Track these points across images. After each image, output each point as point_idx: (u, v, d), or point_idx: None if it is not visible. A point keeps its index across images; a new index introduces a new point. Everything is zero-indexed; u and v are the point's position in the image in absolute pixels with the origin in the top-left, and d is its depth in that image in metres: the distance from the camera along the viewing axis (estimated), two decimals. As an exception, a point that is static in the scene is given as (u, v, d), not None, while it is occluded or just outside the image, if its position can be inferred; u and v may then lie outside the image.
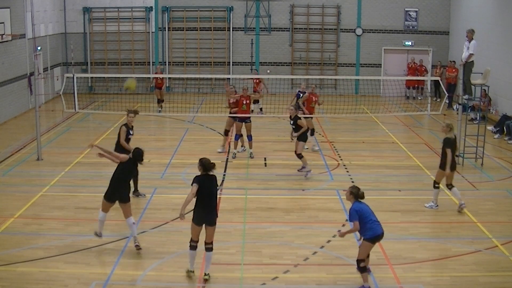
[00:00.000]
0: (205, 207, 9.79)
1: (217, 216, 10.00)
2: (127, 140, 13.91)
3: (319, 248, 11.36)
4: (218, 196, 9.88)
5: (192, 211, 9.95)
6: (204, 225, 9.94)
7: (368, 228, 9.54)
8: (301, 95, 20.28)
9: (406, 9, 29.22)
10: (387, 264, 10.66)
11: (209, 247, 9.97)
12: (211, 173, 9.93)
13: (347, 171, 16.43)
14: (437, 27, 29.23)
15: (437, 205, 13.62)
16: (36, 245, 11.30)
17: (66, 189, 14.76)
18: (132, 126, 14.18)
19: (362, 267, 9.67)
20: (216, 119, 22.18)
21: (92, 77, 29.13)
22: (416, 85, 28.54)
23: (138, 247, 11.03)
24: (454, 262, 10.84)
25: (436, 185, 13.58)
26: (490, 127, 20.80)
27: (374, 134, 21.39)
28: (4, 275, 10.11)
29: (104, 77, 28.89)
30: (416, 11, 29.21)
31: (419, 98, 28.28)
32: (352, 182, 15.35)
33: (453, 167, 13.30)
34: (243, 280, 10.09)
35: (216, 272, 10.31)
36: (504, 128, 20.48)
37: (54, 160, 17.29)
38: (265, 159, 17.54)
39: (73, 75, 18.16)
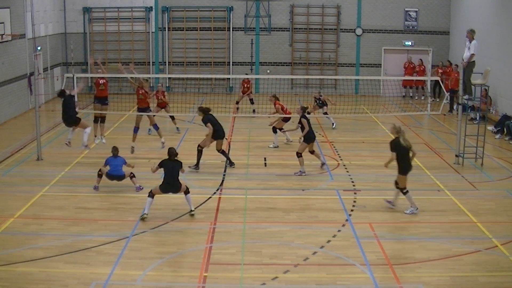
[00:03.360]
0: (168, 181, 12.79)
1: (180, 186, 12.85)
2: None
3: (319, 248, 11.36)
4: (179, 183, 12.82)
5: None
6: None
7: None
8: (318, 101, 21.08)
9: (406, 9, 29.23)
10: (387, 264, 10.66)
11: (186, 192, 12.87)
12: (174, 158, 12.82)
13: (347, 171, 16.43)
14: (437, 27, 29.23)
15: (417, 208, 13.22)
16: (36, 245, 11.31)
17: (66, 189, 14.76)
18: None
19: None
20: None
21: (92, 77, 29.06)
22: (414, 85, 28.53)
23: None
24: (454, 262, 10.84)
25: (404, 190, 13.24)
26: (490, 127, 20.81)
27: (374, 134, 21.39)
28: (4, 275, 10.12)
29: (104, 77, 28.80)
30: (416, 11, 29.21)
31: (422, 98, 28.21)
32: (352, 182, 15.37)
33: (402, 171, 13.23)
34: (243, 280, 10.09)
35: (216, 272, 10.32)
36: (504, 128, 20.46)
37: (54, 160, 17.29)
38: (265, 159, 17.54)
39: (73, 75, 18.14)
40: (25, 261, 10.61)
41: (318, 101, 21.28)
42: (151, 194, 12.82)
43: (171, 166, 12.76)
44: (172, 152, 12.87)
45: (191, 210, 12.90)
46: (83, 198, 14.11)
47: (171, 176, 12.75)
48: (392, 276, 10.25)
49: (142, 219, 12.59)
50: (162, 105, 20.75)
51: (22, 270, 10.33)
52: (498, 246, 11.49)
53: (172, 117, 21.11)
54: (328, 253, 11.18)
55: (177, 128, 21.17)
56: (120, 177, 14.69)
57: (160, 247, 11.38)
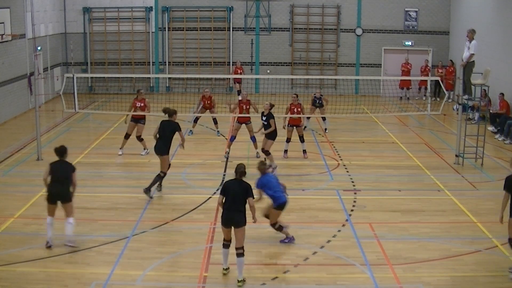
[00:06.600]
0: (229, 209, 10.00)
1: (244, 218, 10.00)
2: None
3: (319, 248, 11.36)
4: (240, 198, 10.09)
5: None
6: (232, 228, 10.06)
7: (276, 198, 11.28)
8: (318, 101, 20.46)
9: (406, 9, 29.21)
10: (387, 264, 10.66)
11: (239, 253, 9.94)
12: (239, 178, 10.13)
13: (347, 171, 16.42)
14: (437, 27, 29.22)
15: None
16: (36, 245, 11.30)
17: (66, 189, 14.73)
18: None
19: (278, 227, 11.49)
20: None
21: (92, 77, 29.13)
22: (410, 86, 28.49)
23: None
24: (454, 262, 10.84)
25: None
26: (491, 128, 20.81)
27: (374, 134, 21.39)
28: (4, 275, 10.11)
29: (104, 77, 28.88)
30: (416, 11, 29.20)
31: (424, 98, 28.14)
32: (352, 182, 15.37)
33: None
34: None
35: (216, 272, 10.32)
36: (504, 128, 20.45)
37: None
38: (265, 159, 17.50)
39: (73, 75, 18.12)
40: (25, 261, 10.60)
41: (318, 101, 20.79)
42: (224, 242, 10.22)
43: (233, 187, 10.04)
44: (236, 168, 10.18)
45: (239, 281, 9.88)
46: (83, 198, 14.08)
47: (232, 201, 10.00)
48: (392, 276, 10.25)
49: (224, 274, 10.24)
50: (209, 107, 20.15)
51: (22, 270, 10.32)
52: (498, 246, 11.48)
53: (215, 120, 20.51)
54: (328, 253, 11.18)
55: (218, 131, 20.66)
56: None
57: (160, 247, 11.38)
